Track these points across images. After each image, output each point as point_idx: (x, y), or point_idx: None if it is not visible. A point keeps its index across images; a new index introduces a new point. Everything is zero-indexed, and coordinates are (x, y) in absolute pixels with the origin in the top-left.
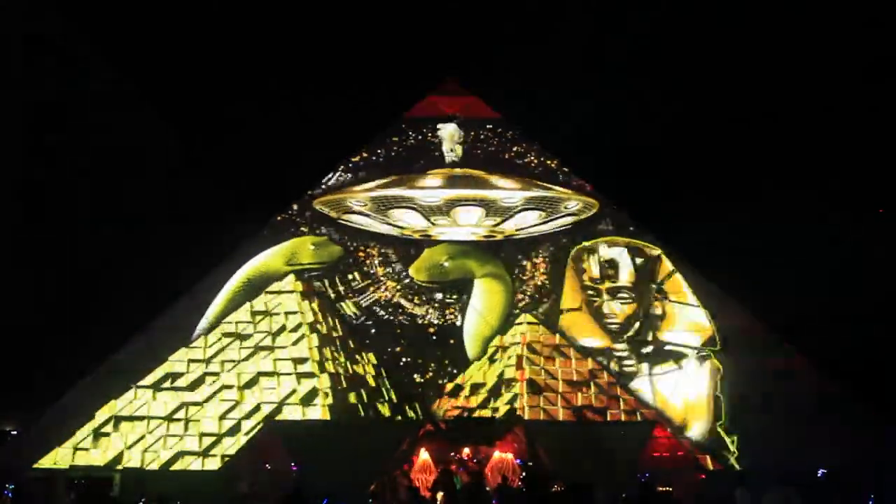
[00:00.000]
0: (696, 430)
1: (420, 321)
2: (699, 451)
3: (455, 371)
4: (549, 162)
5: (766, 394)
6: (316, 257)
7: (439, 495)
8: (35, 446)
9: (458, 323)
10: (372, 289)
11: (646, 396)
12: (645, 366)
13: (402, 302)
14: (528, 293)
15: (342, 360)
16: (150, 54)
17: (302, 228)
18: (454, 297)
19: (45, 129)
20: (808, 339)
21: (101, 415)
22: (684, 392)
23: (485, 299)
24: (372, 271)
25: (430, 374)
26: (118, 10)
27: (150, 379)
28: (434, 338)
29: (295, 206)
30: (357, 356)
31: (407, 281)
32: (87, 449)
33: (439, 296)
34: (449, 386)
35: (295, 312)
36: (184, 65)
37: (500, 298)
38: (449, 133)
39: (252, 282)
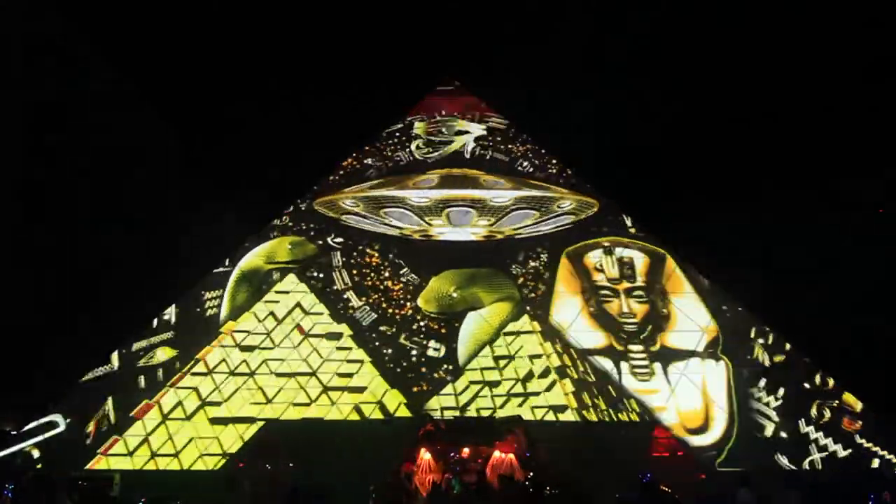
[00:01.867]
0: (716, 431)
1: (422, 322)
2: (700, 451)
3: (456, 371)
4: (549, 161)
5: (767, 394)
6: (291, 256)
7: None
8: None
9: (461, 323)
10: (372, 288)
11: (657, 398)
12: (644, 366)
13: (404, 303)
14: (530, 293)
15: (341, 359)
16: (149, 54)
17: (302, 228)
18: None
19: (45, 129)
20: (808, 340)
21: (101, 414)
22: (682, 393)
23: (491, 311)
24: (372, 271)
25: (431, 374)
26: (118, 10)
27: (148, 379)
28: (437, 338)
29: (295, 207)
30: (356, 356)
31: (406, 281)
32: (86, 449)
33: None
34: (449, 386)
35: (295, 312)
36: (184, 65)
37: (507, 311)
38: (442, 132)
39: (239, 282)
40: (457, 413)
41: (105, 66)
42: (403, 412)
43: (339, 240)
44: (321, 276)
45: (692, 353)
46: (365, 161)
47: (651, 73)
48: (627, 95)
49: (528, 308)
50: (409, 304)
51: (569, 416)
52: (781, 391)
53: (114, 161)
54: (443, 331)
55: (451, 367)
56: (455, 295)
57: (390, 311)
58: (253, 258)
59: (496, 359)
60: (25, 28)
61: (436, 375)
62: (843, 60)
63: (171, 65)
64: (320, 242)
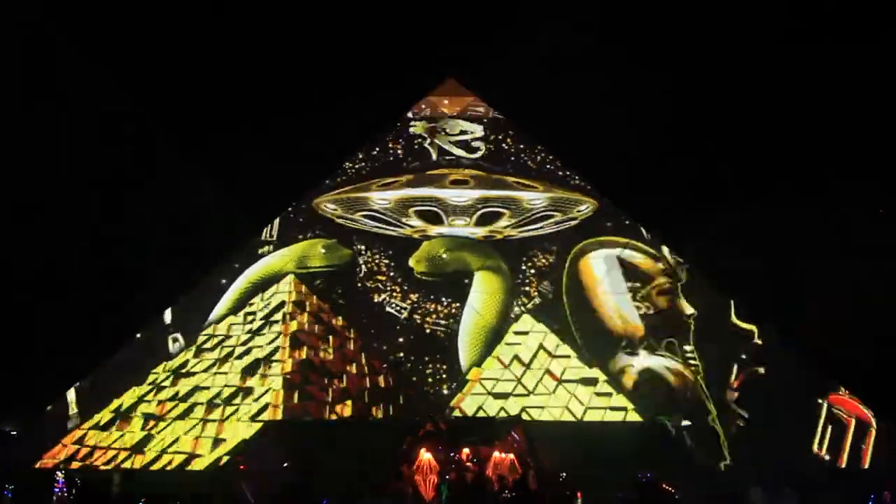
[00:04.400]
0: (716, 432)
1: (421, 322)
2: (699, 452)
3: (455, 371)
4: (548, 160)
5: (765, 393)
6: (326, 261)
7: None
8: (35, 446)
9: (459, 323)
10: (372, 289)
11: (657, 397)
12: (644, 365)
13: (403, 302)
14: (530, 293)
15: (341, 360)
16: (149, 56)
17: (301, 228)
18: (456, 303)
19: (45, 130)
20: (808, 339)
21: (101, 414)
22: (681, 392)
23: (483, 295)
24: (373, 272)
25: (430, 374)
26: (118, 12)
27: (149, 379)
28: (434, 338)
29: (292, 208)
30: (356, 356)
31: (408, 282)
32: (86, 448)
33: (440, 297)
34: (449, 386)
35: (294, 312)
36: (184, 65)
37: (499, 295)
38: (444, 132)
39: (257, 284)
40: (457, 413)
41: (105, 67)
42: (403, 412)
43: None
44: (320, 276)
45: (693, 353)
46: (362, 162)
47: (652, 71)
48: (627, 95)
49: (526, 308)
50: (408, 303)
51: (569, 416)
52: (781, 391)
53: (114, 161)
54: (444, 331)
55: (451, 368)
56: (445, 256)
57: (390, 311)
58: (278, 261)
59: (496, 358)
60: (24, 31)
61: (436, 375)
62: (845, 62)
63: (172, 65)
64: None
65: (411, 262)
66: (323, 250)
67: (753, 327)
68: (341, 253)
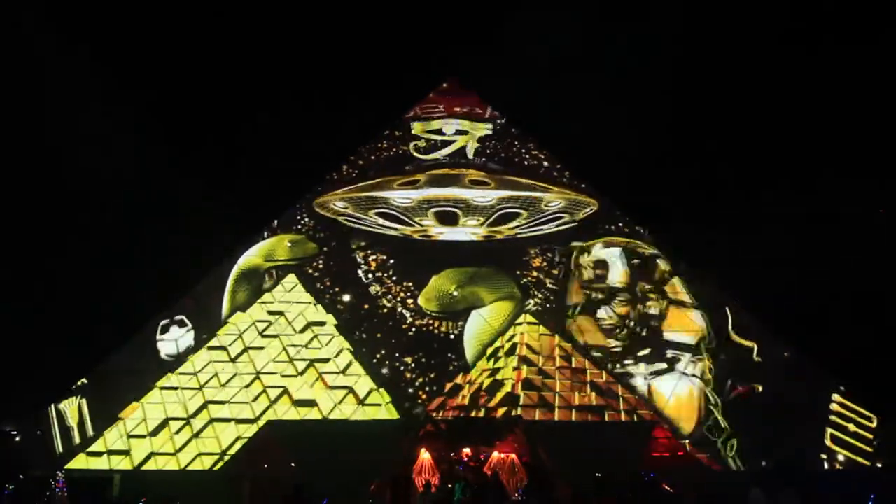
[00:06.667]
0: (685, 430)
1: (421, 322)
2: (699, 451)
3: (456, 372)
4: (548, 161)
5: (766, 393)
6: (291, 254)
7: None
8: (36, 447)
9: (461, 324)
10: (373, 290)
11: (643, 397)
12: (642, 366)
13: (403, 303)
14: (530, 293)
15: (342, 360)
16: (150, 57)
17: (304, 229)
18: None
19: (45, 129)
20: (807, 339)
21: (101, 415)
22: (678, 392)
23: (492, 311)
24: (372, 272)
25: (431, 374)
26: (118, 13)
27: (149, 380)
28: (435, 338)
29: (294, 207)
30: (357, 357)
31: (412, 283)
32: (86, 449)
33: None
34: (449, 386)
35: (295, 313)
36: (184, 66)
37: (508, 311)
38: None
39: (239, 280)
40: (458, 413)
41: (105, 68)
42: (404, 413)
43: (336, 242)
44: (321, 277)
45: (691, 352)
46: (365, 161)
47: (651, 72)
48: (627, 95)
49: (528, 308)
50: (409, 304)
51: (568, 415)
52: (781, 391)
53: (115, 162)
54: (444, 332)
55: (451, 368)
56: (456, 294)
57: (390, 311)
58: (252, 257)
59: (497, 359)
60: (23, 31)
61: (437, 376)
62: (844, 63)
63: (172, 66)
64: (321, 243)
65: (420, 302)
66: (289, 244)
67: (751, 326)
68: (306, 247)
